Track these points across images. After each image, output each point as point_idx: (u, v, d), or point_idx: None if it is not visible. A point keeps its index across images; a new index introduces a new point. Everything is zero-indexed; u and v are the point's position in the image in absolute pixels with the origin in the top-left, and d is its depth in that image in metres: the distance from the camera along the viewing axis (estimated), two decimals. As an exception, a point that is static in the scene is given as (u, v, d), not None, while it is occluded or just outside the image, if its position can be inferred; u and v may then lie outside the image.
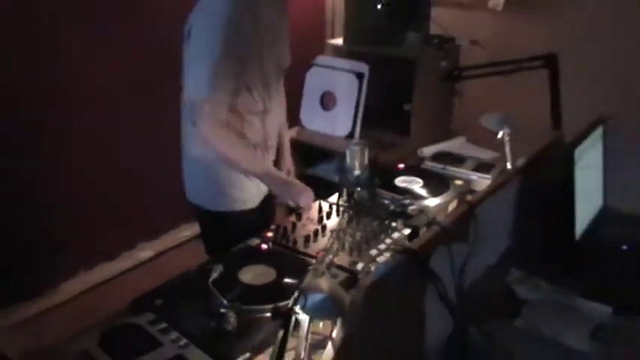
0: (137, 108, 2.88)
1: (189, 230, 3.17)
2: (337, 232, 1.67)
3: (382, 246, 1.63)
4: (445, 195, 1.90)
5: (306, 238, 1.66)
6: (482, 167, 2.10)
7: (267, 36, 1.81)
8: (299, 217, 1.78)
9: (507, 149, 2.03)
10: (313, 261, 1.51)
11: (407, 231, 1.70)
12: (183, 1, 1.88)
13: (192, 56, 1.75)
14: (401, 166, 2.09)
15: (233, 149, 1.81)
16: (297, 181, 1.89)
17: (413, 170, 2.06)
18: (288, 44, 2.00)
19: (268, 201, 2.05)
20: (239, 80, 1.76)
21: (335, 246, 1.56)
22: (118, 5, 2.71)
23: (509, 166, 2.03)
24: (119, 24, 2.72)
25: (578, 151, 1.69)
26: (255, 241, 1.67)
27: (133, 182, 2.97)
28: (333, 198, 1.90)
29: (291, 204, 1.82)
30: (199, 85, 1.71)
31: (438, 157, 2.21)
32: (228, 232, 1.78)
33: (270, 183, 1.87)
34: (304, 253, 1.61)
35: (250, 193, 1.97)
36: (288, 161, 2.18)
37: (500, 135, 2.04)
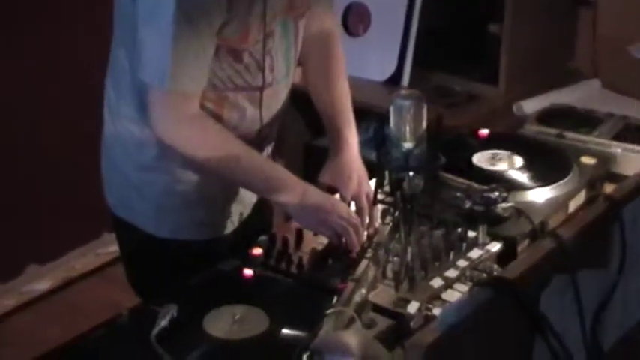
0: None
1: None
2: (375, 247, 1.68)
3: (452, 272, 1.64)
4: (564, 183, 1.92)
5: (321, 258, 1.68)
6: (632, 133, 2.11)
7: None
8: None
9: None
10: (334, 298, 1.51)
11: (496, 246, 1.72)
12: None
13: (143, 19, 1.79)
14: (484, 132, 2.11)
15: (216, 152, 1.82)
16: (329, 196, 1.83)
17: (505, 140, 2.08)
18: None
19: (258, 211, 2.06)
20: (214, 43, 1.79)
21: (371, 272, 1.57)
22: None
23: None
24: None
25: None
26: (232, 264, 1.68)
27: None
28: (368, 189, 1.92)
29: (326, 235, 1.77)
30: (159, 71, 1.78)
31: (549, 116, 2.22)
32: (181, 266, 1.77)
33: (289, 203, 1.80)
34: (317, 284, 1.62)
35: (232, 213, 1.99)
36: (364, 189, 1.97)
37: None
